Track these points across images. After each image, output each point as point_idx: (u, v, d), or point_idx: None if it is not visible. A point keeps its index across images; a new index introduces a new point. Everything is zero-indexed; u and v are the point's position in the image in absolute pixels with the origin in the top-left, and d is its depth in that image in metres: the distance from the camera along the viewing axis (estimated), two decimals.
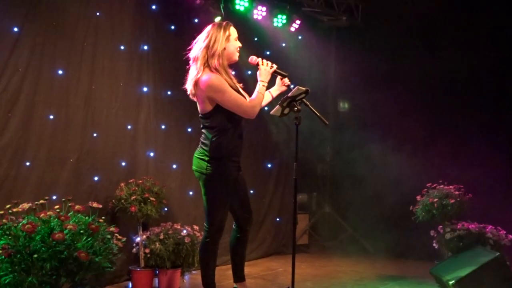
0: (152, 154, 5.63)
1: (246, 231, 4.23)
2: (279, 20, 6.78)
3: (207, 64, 3.93)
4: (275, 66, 4.18)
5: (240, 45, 4.08)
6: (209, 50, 3.94)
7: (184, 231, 5.03)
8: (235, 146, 4.01)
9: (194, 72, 3.97)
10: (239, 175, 4.12)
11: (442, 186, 5.82)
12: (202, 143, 3.98)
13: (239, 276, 4.26)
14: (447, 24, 6.92)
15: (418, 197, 5.88)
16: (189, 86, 4.01)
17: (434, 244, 5.75)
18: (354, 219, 7.34)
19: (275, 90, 4.36)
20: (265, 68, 4.09)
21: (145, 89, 5.59)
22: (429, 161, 6.69)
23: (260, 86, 4.04)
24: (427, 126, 7.02)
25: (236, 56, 4.07)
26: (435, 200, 5.69)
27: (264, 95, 4.08)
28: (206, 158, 3.92)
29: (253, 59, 4.17)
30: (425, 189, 5.88)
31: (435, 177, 6.01)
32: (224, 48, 3.96)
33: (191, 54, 4.04)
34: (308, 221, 7.51)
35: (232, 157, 3.99)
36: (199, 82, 3.90)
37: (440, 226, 5.69)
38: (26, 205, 2.80)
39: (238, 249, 4.25)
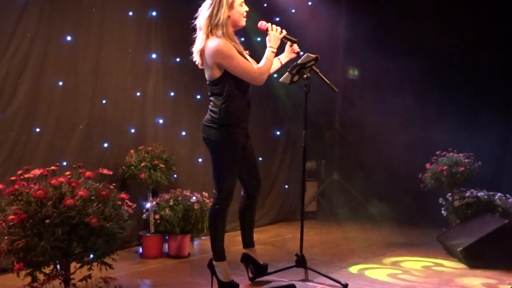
0: (161, 121, 5.63)
1: (254, 198, 4.26)
2: None
3: (212, 33, 3.90)
4: (284, 32, 4.14)
5: (247, 9, 4.01)
6: (213, 19, 3.89)
7: (194, 198, 5.07)
8: (244, 113, 4.00)
9: (199, 42, 3.95)
10: (247, 142, 4.12)
11: (451, 153, 5.82)
12: (211, 110, 3.98)
13: (248, 242, 4.31)
14: None
15: (428, 165, 5.88)
16: (195, 56, 3.99)
17: (443, 212, 5.78)
18: (362, 187, 7.35)
19: (284, 57, 4.32)
20: (275, 34, 4.05)
21: (153, 56, 5.56)
22: (439, 129, 6.64)
23: (269, 52, 4.01)
24: (438, 93, 6.96)
25: (242, 22, 4.01)
26: (445, 167, 5.70)
27: (273, 61, 4.04)
28: (215, 126, 3.92)
29: (262, 24, 4.13)
30: (435, 157, 5.88)
31: (445, 144, 6.00)
32: (229, 16, 3.91)
33: (197, 23, 4.00)
34: (317, 188, 7.54)
35: (240, 124, 3.99)
36: (206, 49, 3.88)
37: (449, 194, 5.71)
38: (37, 171, 2.82)
39: (246, 216, 4.29)
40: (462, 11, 6.71)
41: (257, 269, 4.29)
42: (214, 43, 3.86)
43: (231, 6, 3.91)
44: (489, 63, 6.64)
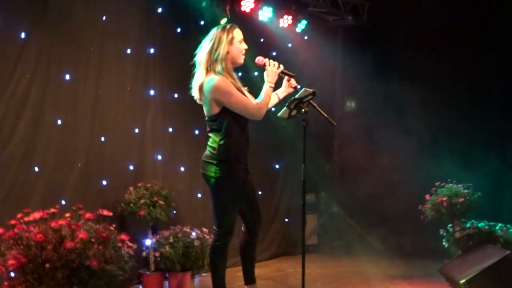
0: (159, 157, 5.63)
1: (255, 233, 4.22)
2: (285, 21, 6.76)
3: (210, 68, 3.93)
4: (282, 67, 4.17)
5: (246, 47, 4.05)
6: (212, 54, 3.93)
7: (193, 234, 5.03)
8: (243, 148, 4.00)
9: (198, 77, 3.97)
10: (247, 177, 4.11)
11: (450, 184, 5.81)
12: (210, 146, 3.98)
13: (249, 278, 4.26)
14: (456, 20, 6.87)
15: (427, 196, 5.86)
16: (194, 91, 4.01)
17: (444, 243, 5.73)
18: (362, 219, 7.32)
19: (282, 92, 4.34)
20: (272, 69, 4.07)
21: (152, 92, 5.59)
22: (438, 160, 6.66)
23: (267, 87, 4.03)
24: (435, 125, 7.00)
25: (240, 59, 4.05)
26: (444, 199, 5.67)
27: (271, 96, 4.06)
28: (215, 162, 3.91)
29: (260, 59, 4.15)
30: (434, 188, 5.87)
31: (444, 176, 5.99)
32: (228, 52, 3.95)
33: (196, 58, 4.03)
34: (317, 221, 7.50)
35: (240, 159, 3.99)
36: (204, 86, 3.90)
37: (450, 225, 5.68)
38: (37, 215, 2.80)
39: (248, 252, 4.24)
40: (457, 45, 6.79)
41: None
42: (212, 80, 3.88)
43: (230, 43, 3.95)
44: (487, 98, 6.71)
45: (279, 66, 4.14)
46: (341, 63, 7.84)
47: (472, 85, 6.75)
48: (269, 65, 4.09)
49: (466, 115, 6.84)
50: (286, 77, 4.30)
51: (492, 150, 6.63)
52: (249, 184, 4.14)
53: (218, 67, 3.90)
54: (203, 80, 3.92)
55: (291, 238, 7.09)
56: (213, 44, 3.93)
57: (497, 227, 5.53)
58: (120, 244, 2.86)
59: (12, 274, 2.62)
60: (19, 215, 2.82)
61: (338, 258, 6.90)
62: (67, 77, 4.86)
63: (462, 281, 4.92)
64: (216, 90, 3.86)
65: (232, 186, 3.94)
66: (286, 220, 7.09)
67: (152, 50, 5.60)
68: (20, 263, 2.59)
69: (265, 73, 4.09)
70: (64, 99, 4.86)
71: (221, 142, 3.90)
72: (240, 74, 4.22)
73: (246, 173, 4.08)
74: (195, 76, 4.01)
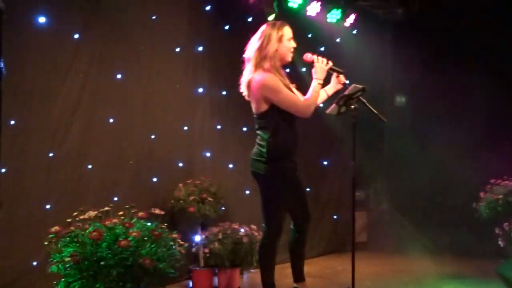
0: (208, 154, 5.68)
1: (304, 231, 4.20)
2: (333, 15, 6.69)
3: (259, 65, 3.92)
4: (330, 63, 4.12)
5: (295, 45, 4.03)
6: (262, 52, 3.93)
7: (242, 231, 5.05)
8: (292, 146, 3.98)
9: (247, 73, 3.97)
10: (296, 175, 4.09)
11: (506, 182, 5.64)
12: (259, 144, 3.97)
13: (298, 276, 4.24)
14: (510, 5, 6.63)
15: (482, 194, 5.71)
16: (243, 87, 4.01)
17: (500, 242, 5.56)
18: (413, 216, 7.17)
19: (331, 88, 4.29)
20: (321, 66, 4.03)
21: (200, 90, 5.64)
22: (493, 157, 6.44)
23: (315, 84, 3.99)
24: (490, 120, 6.78)
25: (289, 57, 4.03)
26: (500, 196, 5.52)
27: (319, 93, 4.02)
28: (263, 159, 3.91)
29: (308, 56, 4.11)
30: (489, 186, 5.71)
31: (499, 173, 5.81)
32: (277, 50, 3.93)
33: (246, 55, 4.03)
34: (366, 219, 7.40)
35: (289, 157, 3.97)
36: (252, 83, 3.90)
37: (506, 224, 5.50)
38: (92, 213, 2.87)
39: (297, 249, 4.23)
40: None
41: None
42: (260, 76, 3.88)
43: (279, 40, 3.94)
44: None
45: (327, 63, 4.10)
46: (391, 57, 7.69)
47: None
48: (317, 61, 4.05)
49: None
50: (335, 74, 4.25)
51: None
52: (297, 182, 4.12)
53: (267, 64, 3.90)
54: (251, 76, 3.92)
55: (340, 236, 7.02)
56: (263, 41, 3.93)
57: None
58: (171, 243, 2.91)
59: (69, 271, 2.70)
60: (75, 213, 2.89)
61: (388, 256, 6.79)
62: (119, 76, 4.95)
63: None
64: (264, 86, 3.85)
65: (281, 184, 3.93)
66: (335, 217, 7.03)
67: (200, 48, 5.64)
68: (76, 260, 2.66)
69: (313, 70, 4.05)
70: (116, 98, 4.96)
71: (270, 140, 3.89)
72: (288, 70, 4.19)
73: (294, 170, 4.06)
74: (244, 72, 4.02)
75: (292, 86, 4.07)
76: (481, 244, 6.17)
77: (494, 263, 5.55)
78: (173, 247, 2.90)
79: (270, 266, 4.03)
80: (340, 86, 4.30)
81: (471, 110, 6.73)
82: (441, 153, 6.84)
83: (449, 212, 6.80)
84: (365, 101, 4.26)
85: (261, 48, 3.93)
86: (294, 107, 3.90)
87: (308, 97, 3.97)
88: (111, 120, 4.89)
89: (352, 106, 4.21)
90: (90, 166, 4.72)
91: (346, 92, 4.23)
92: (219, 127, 5.81)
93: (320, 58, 4.07)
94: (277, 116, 3.90)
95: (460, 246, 6.60)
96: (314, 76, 4.03)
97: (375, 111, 4.25)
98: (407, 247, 6.86)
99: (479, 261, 6.15)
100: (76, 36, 4.65)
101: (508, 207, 5.48)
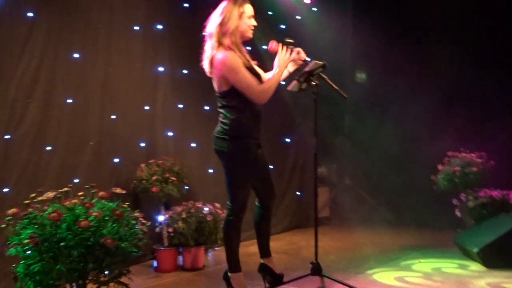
0: (170, 133, 5.64)
1: (269, 208, 4.22)
2: None
3: (220, 41, 3.89)
4: (300, 51, 4.13)
5: (255, 23, 4.00)
6: (222, 27, 3.89)
7: (206, 209, 5.06)
8: (255, 123, 3.98)
9: (209, 50, 3.94)
10: (259, 152, 4.11)
11: (463, 154, 5.78)
12: (222, 122, 3.96)
13: (265, 252, 4.28)
14: None
15: (440, 166, 5.84)
16: (205, 64, 3.98)
17: (457, 213, 5.73)
18: (375, 191, 7.31)
19: (291, 66, 4.30)
20: (283, 57, 3.99)
21: (161, 69, 5.58)
22: (450, 130, 6.59)
23: (276, 71, 3.96)
24: (448, 94, 6.92)
25: (249, 34, 4.00)
26: (457, 168, 5.66)
27: (279, 81, 3.98)
28: (227, 137, 3.91)
29: (273, 45, 4.09)
30: (447, 158, 5.85)
31: (457, 145, 5.96)
32: (237, 26, 3.91)
33: (206, 30, 3.99)
34: (329, 194, 7.51)
35: (252, 135, 3.98)
36: (214, 61, 3.88)
37: (463, 195, 5.66)
38: (51, 194, 2.83)
39: (262, 226, 4.25)
40: (475, 18, 6.65)
41: (274, 279, 4.27)
42: (222, 55, 3.85)
43: (240, 17, 3.91)
44: (500, 64, 6.61)
45: (297, 52, 4.10)
46: (351, 34, 7.73)
47: (486, 50, 6.63)
48: (281, 52, 4.00)
49: (480, 82, 6.74)
50: (295, 50, 4.26)
51: (506, 119, 6.55)
52: (261, 159, 4.13)
53: (227, 40, 3.87)
54: (214, 53, 3.89)
55: (304, 211, 7.11)
56: (224, 17, 3.89)
57: (511, 196, 5.50)
58: (134, 222, 2.89)
59: (28, 253, 2.67)
60: (33, 195, 2.85)
61: (350, 230, 6.91)
62: (76, 55, 4.86)
63: (475, 250, 4.93)
64: (224, 65, 3.84)
65: (244, 161, 3.94)
66: (298, 193, 7.11)
67: (160, 27, 5.56)
68: (35, 242, 2.63)
69: (276, 57, 4.01)
70: (74, 78, 4.87)
71: (233, 118, 3.89)
72: (249, 48, 4.17)
73: (258, 148, 4.07)
74: (205, 48, 3.97)
75: (254, 63, 4.06)
76: (439, 215, 6.33)
77: (452, 233, 5.75)
78: (136, 226, 2.89)
79: (235, 243, 4.06)
80: (300, 63, 4.31)
81: (431, 85, 6.84)
82: (401, 127, 6.96)
83: (409, 185, 6.95)
84: (326, 77, 4.29)
85: (222, 24, 3.89)
86: (250, 90, 3.86)
87: (264, 84, 3.93)
88: (70, 101, 4.81)
89: (313, 83, 4.24)
90: (49, 148, 4.64)
91: (307, 69, 4.25)
92: (181, 106, 5.77)
93: (284, 49, 4.01)
94: (239, 95, 3.88)
95: (420, 218, 6.77)
96: (275, 64, 4.00)
97: (335, 87, 4.29)
98: (369, 221, 7.01)
99: (438, 232, 6.33)
100: (31, 14, 4.53)
101: (465, 179, 5.63)
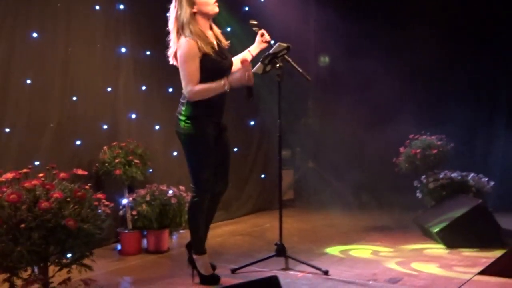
0: (133, 116, 5.56)
1: (217, 194, 4.15)
2: None
3: (181, 33, 3.88)
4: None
5: None
6: (178, 21, 3.88)
7: (170, 192, 5.03)
8: (214, 105, 3.94)
9: (173, 45, 3.95)
10: (222, 135, 4.08)
11: (424, 136, 5.89)
12: (181, 102, 3.98)
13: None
14: None
15: (401, 149, 5.94)
16: (172, 59, 3.99)
17: (418, 194, 5.85)
18: (338, 173, 7.39)
19: (255, 48, 4.30)
20: (241, 77, 3.84)
21: (123, 50, 5.48)
22: (412, 113, 6.70)
23: (220, 84, 3.82)
24: (408, 77, 7.02)
25: (213, 9, 3.93)
26: (418, 151, 5.76)
27: (216, 93, 3.84)
28: (183, 118, 3.91)
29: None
30: (408, 141, 5.95)
31: (418, 128, 6.06)
32: (194, 13, 3.87)
33: (169, 26, 3.96)
34: (293, 177, 7.56)
35: (210, 117, 3.95)
36: (177, 51, 3.89)
37: (424, 176, 5.77)
38: (9, 175, 2.76)
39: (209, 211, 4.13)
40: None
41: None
42: (180, 42, 3.85)
43: (192, 2, 3.87)
44: (458, 44, 6.72)
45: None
46: (315, 16, 7.73)
47: (447, 32, 6.74)
48: (243, 74, 3.83)
49: (441, 64, 6.86)
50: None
51: (465, 101, 6.70)
52: (222, 143, 4.09)
53: (187, 32, 3.85)
54: (176, 46, 3.88)
55: (268, 194, 7.14)
56: (177, 10, 3.89)
57: (469, 177, 5.65)
58: (96, 203, 2.85)
59: None
60: None
61: (314, 212, 6.99)
62: (34, 35, 4.72)
63: (435, 230, 5.05)
64: (178, 49, 3.85)
65: (202, 142, 3.93)
66: (263, 176, 7.13)
67: (121, 7, 5.45)
68: None
69: (236, 74, 3.90)
70: (32, 58, 4.74)
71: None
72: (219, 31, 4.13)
73: (218, 130, 4.03)
74: (170, 44, 3.97)
75: (226, 44, 4.05)
76: (401, 197, 6.45)
77: (412, 214, 5.87)
78: (98, 207, 2.84)
79: (201, 224, 4.05)
80: (264, 45, 4.31)
81: (394, 67, 6.90)
82: (364, 110, 7.03)
83: (372, 167, 7.05)
84: (290, 59, 4.30)
85: (177, 17, 3.88)
86: (184, 82, 3.83)
87: (204, 86, 3.81)
88: (28, 81, 4.68)
89: (277, 65, 4.25)
90: (7, 130, 4.52)
91: (271, 51, 4.26)
92: (144, 88, 5.69)
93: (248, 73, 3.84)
94: (200, 76, 3.86)
95: (382, 200, 6.89)
96: (232, 76, 3.88)
97: (300, 70, 4.31)
98: (332, 203, 7.10)
99: (400, 213, 6.45)
100: None
101: (425, 161, 5.74)
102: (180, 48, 3.84)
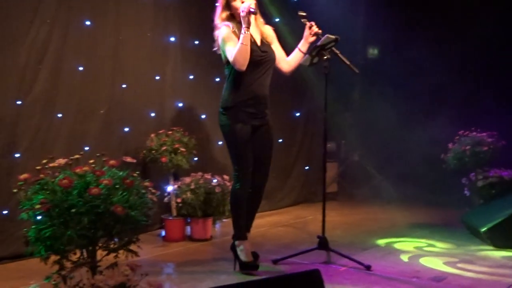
0: (180, 104, 5.63)
1: (258, 188, 4.19)
2: None
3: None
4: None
5: (240, 4, 3.91)
6: (218, 18, 4.05)
7: (215, 181, 5.08)
8: (249, 97, 3.98)
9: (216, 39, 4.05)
10: (262, 129, 4.09)
11: (474, 133, 5.75)
12: (222, 94, 4.07)
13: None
14: None
15: (450, 145, 5.82)
16: (219, 50, 4.07)
17: (466, 192, 5.72)
18: (383, 167, 7.29)
19: (304, 44, 4.27)
20: (242, 15, 3.85)
21: (172, 39, 5.54)
22: (462, 108, 6.53)
23: (243, 35, 3.86)
24: (460, 73, 6.83)
25: (239, 16, 3.90)
26: (467, 147, 5.63)
27: (242, 43, 3.84)
28: (221, 110, 4.07)
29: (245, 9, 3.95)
30: (457, 137, 5.81)
31: (468, 124, 5.91)
32: (232, 14, 3.99)
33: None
34: (337, 169, 7.51)
35: (243, 108, 3.97)
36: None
37: (472, 174, 5.64)
38: (62, 161, 2.83)
39: (248, 204, 4.16)
40: None
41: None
42: (219, 30, 4.00)
43: (227, 6, 4.01)
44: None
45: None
46: (364, 9, 7.61)
47: (500, 22, 6.53)
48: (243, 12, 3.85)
49: (494, 61, 6.65)
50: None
51: None
52: (261, 137, 4.11)
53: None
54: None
55: (311, 186, 7.12)
56: (217, 8, 4.05)
57: None
58: (143, 191, 2.90)
59: (39, 218, 2.68)
60: (44, 161, 2.86)
61: (357, 206, 6.93)
62: (87, 23, 4.82)
63: (483, 230, 4.93)
64: (218, 38, 3.98)
65: (235, 132, 3.99)
66: (307, 168, 7.11)
67: None
68: (46, 207, 2.64)
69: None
70: (85, 46, 4.85)
71: (225, 90, 4.05)
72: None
73: (254, 122, 4.04)
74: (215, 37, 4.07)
75: (269, 42, 4.11)
76: (448, 194, 6.31)
77: (460, 212, 5.74)
78: (145, 195, 2.90)
79: (242, 210, 4.10)
80: (313, 39, 4.27)
81: (444, 61, 6.74)
82: (412, 104, 6.90)
83: (419, 162, 6.91)
84: (338, 52, 4.26)
85: (217, 16, 4.04)
86: (229, 59, 3.92)
87: (235, 48, 3.87)
88: (81, 68, 4.79)
89: (325, 57, 4.21)
90: (59, 115, 4.65)
91: (319, 43, 4.22)
92: (191, 77, 5.74)
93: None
94: (233, 68, 3.93)
95: (428, 196, 6.76)
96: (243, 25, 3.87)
97: (347, 62, 4.26)
98: (376, 197, 7.02)
99: (446, 210, 6.31)
100: None
101: (475, 158, 5.60)
102: (219, 33, 3.97)
